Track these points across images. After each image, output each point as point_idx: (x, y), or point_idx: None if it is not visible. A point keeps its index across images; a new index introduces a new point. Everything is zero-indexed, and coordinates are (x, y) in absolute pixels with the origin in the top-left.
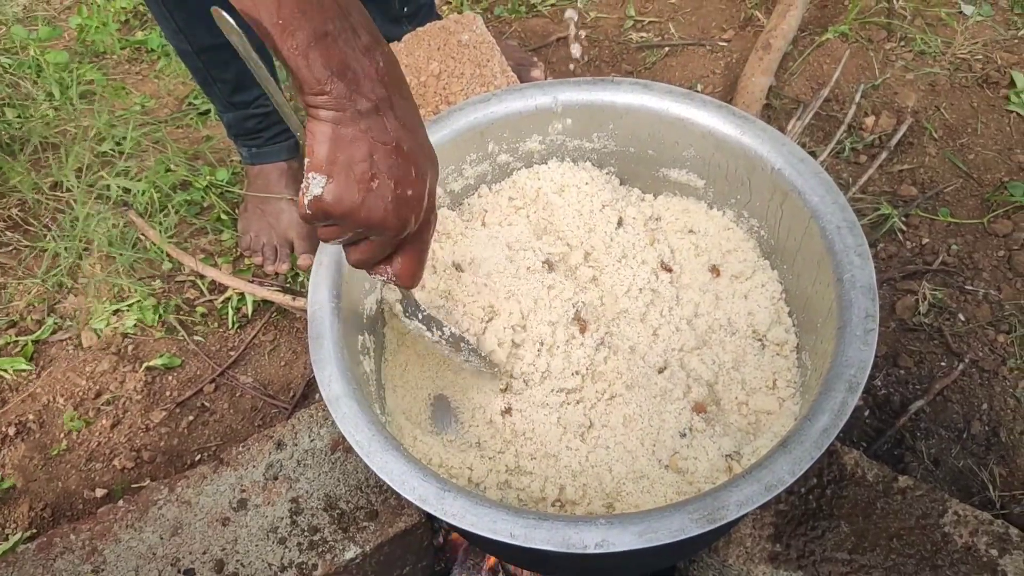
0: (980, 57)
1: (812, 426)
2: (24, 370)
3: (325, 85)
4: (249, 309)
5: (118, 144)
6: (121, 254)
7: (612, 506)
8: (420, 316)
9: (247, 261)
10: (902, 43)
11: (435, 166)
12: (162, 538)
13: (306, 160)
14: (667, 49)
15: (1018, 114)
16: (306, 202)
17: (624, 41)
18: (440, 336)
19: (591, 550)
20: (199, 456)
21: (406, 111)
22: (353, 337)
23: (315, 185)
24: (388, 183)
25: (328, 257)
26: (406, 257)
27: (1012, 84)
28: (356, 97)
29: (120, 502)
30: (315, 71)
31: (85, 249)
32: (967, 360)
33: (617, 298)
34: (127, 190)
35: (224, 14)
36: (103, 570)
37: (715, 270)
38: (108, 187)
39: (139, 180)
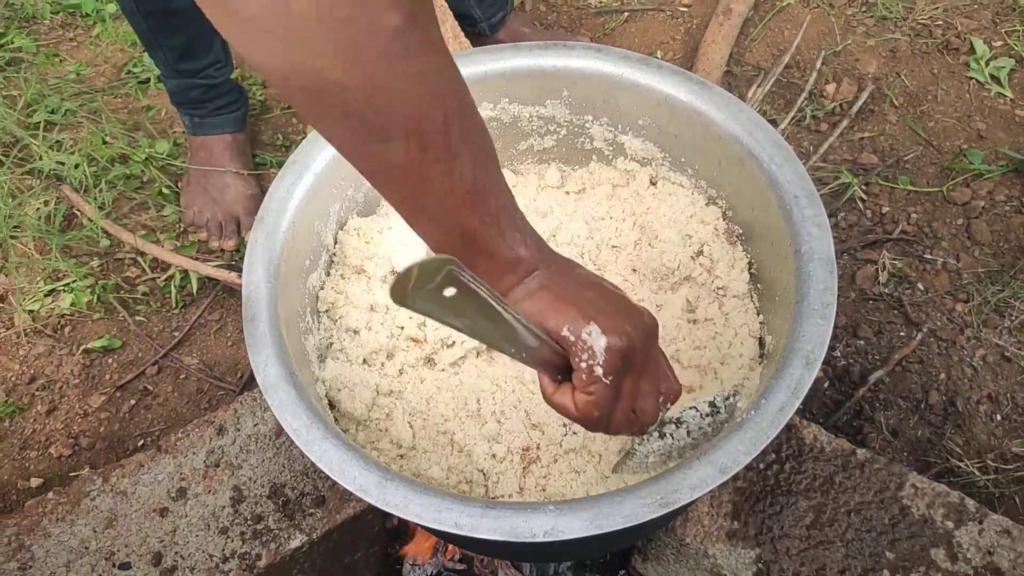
0: (941, 23)
1: (768, 404)
2: None
3: (518, 249)
4: (194, 287)
5: (51, 114)
6: (51, 234)
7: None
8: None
9: (192, 237)
10: (863, 8)
11: None
12: (95, 531)
13: (565, 334)
14: (626, 14)
15: (977, 81)
16: (600, 368)
17: (582, 6)
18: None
19: (540, 539)
20: (142, 442)
21: None
22: (294, 318)
23: (596, 339)
24: (615, 297)
25: (264, 234)
26: (663, 368)
27: (972, 50)
28: (537, 247)
29: (50, 494)
30: (507, 238)
31: (16, 227)
32: (926, 330)
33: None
34: (60, 163)
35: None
36: (31, 567)
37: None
38: (40, 159)
39: (73, 153)
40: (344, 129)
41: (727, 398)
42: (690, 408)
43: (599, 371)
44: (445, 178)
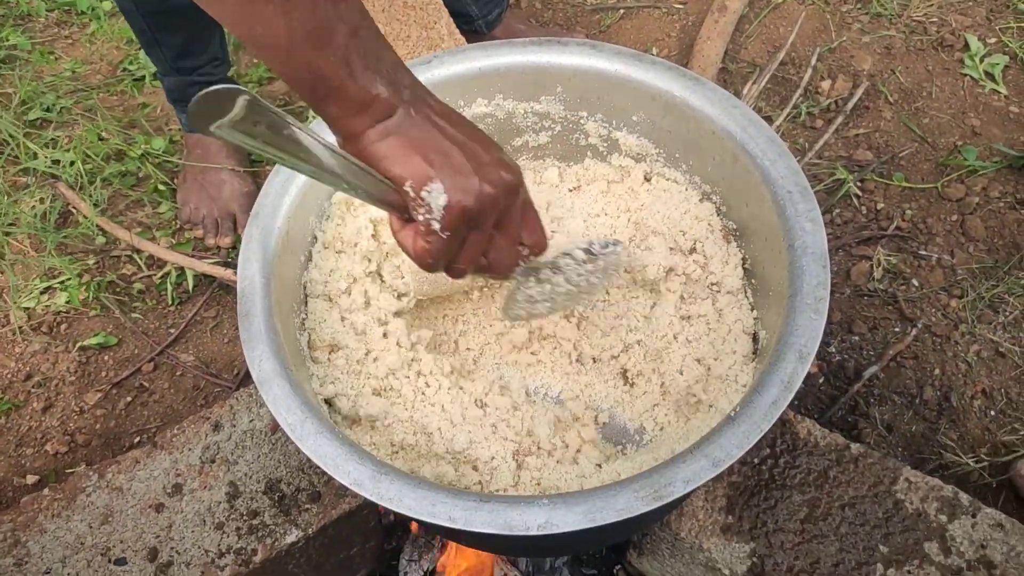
0: (935, 20)
1: (761, 398)
2: None
3: (372, 89)
4: (190, 284)
5: (46, 112)
6: (46, 231)
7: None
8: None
9: (188, 234)
10: (858, 5)
11: None
12: (91, 527)
13: (406, 188)
14: (622, 11)
15: (971, 77)
16: (438, 224)
17: (578, 3)
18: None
19: (534, 532)
20: (138, 439)
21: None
22: (289, 313)
23: (436, 197)
24: (478, 150)
25: (259, 230)
26: (529, 220)
27: (966, 47)
28: (399, 89)
29: (46, 490)
30: (359, 77)
31: (11, 224)
32: (920, 325)
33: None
34: (56, 161)
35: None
36: (27, 562)
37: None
38: (35, 157)
39: (68, 150)
40: None
41: (605, 245)
42: (565, 255)
43: (436, 226)
44: (281, 17)
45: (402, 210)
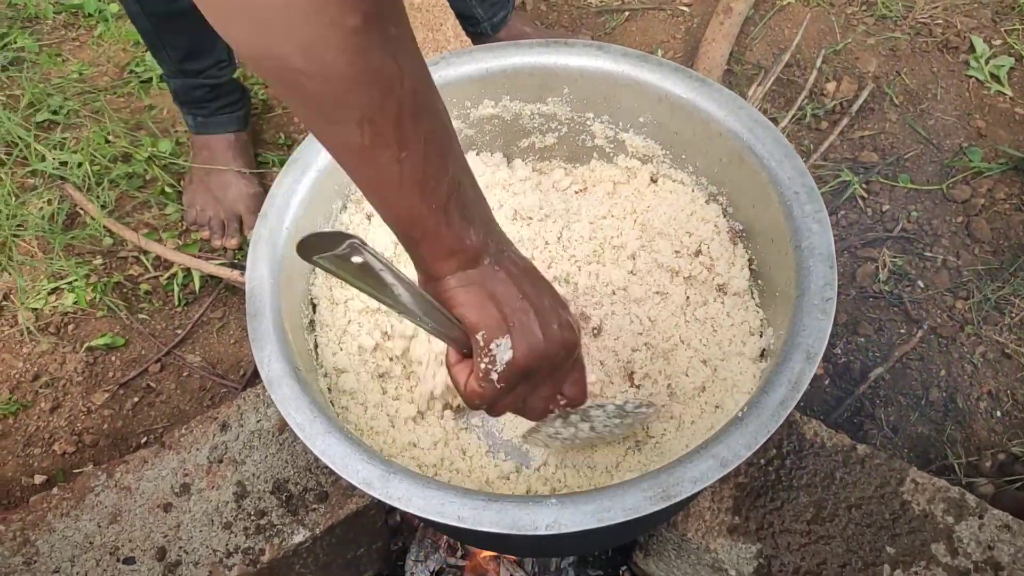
0: (941, 21)
1: (768, 398)
2: None
3: (464, 238)
4: (196, 285)
5: (53, 114)
6: (53, 233)
7: None
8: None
9: (194, 236)
10: (864, 7)
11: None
12: (100, 526)
13: (477, 338)
14: (627, 13)
15: (977, 79)
16: (496, 375)
17: (583, 5)
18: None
19: (542, 531)
20: (145, 439)
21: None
22: (297, 313)
23: (503, 351)
24: (548, 311)
25: (267, 231)
26: (575, 376)
27: (972, 49)
28: (487, 241)
29: (55, 490)
30: (454, 226)
31: (19, 226)
32: (926, 327)
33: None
34: (63, 163)
35: (364, 252)
36: (36, 562)
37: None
38: (43, 159)
39: (75, 152)
40: (304, 110)
41: (639, 406)
42: (597, 407)
43: (494, 376)
44: (395, 165)
45: (463, 347)
